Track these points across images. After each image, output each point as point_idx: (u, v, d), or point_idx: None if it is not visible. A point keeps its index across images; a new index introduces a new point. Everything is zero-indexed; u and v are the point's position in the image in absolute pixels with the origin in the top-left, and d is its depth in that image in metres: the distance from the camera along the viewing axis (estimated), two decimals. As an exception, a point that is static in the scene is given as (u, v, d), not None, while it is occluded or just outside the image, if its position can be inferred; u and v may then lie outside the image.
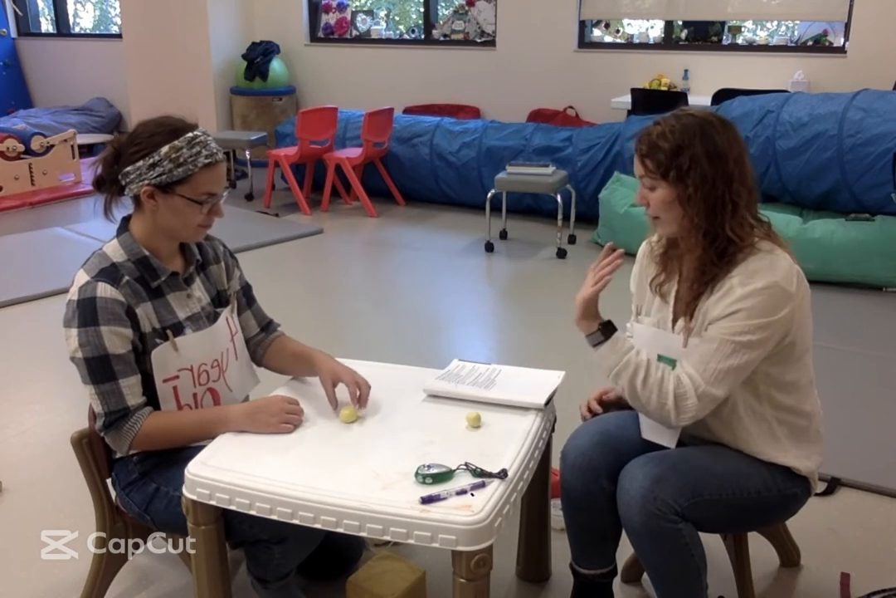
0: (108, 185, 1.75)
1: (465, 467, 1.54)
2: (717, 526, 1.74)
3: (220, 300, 1.92)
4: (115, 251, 1.74)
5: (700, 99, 5.74)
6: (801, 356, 1.67)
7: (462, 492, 1.48)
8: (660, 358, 1.69)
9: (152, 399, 1.74)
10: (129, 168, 1.69)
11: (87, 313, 1.64)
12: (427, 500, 1.46)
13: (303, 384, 1.96)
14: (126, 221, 1.78)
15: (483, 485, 1.51)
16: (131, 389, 1.68)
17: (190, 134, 1.69)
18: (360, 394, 1.80)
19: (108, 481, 1.86)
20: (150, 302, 1.73)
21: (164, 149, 1.66)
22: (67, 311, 1.68)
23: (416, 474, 1.52)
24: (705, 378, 1.58)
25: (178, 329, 1.76)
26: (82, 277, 1.69)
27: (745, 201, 1.62)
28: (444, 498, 1.47)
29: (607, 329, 1.65)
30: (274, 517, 1.52)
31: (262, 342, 2.01)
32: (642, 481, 1.60)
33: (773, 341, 1.60)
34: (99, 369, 1.65)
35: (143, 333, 1.71)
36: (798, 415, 1.68)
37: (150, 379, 1.73)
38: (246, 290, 2.01)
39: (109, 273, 1.69)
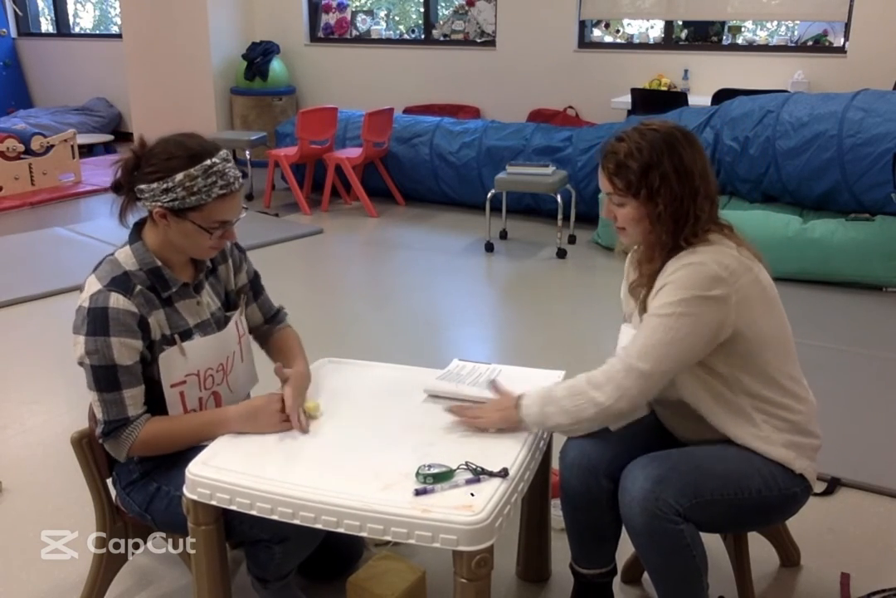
0: (126, 191, 1.71)
1: (465, 466, 1.55)
2: (718, 526, 1.74)
3: (229, 303, 1.92)
4: (127, 259, 1.72)
5: (700, 99, 5.74)
6: (757, 352, 1.65)
7: (455, 486, 1.50)
8: None
9: (158, 404, 1.73)
10: (143, 186, 1.66)
11: (98, 322, 1.62)
12: (421, 492, 1.48)
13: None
14: (138, 226, 1.76)
15: (479, 481, 1.52)
16: (134, 399, 1.68)
17: (208, 162, 1.65)
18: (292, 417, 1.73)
19: (109, 481, 1.86)
20: (162, 310, 1.73)
21: (179, 176, 1.63)
22: (77, 317, 1.66)
23: (417, 474, 1.52)
24: (631, 353, 1.61)
25: (186, 335, 1.75)
26: (94, 285, 1.67)
27: (706, 214, 1.66)
28: (436, 491, 1.48)
29: (518, 406, 1.70)
30: (275, 518, 1.52)
31: (267, 333, 2.02)
32: (644, 482, 1.60)
33: (705, 321, 1.58)
34: (104, 378, 1.64)
35: (153, 341, 1.70)
36: (778, 407, 1.68)
37: (156, 385, 1.72)
38: (254, 281, 1.98)
39: (122, 282, 1.67)
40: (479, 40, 7.16)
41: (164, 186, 1.63)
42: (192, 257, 1.80)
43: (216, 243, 1.73)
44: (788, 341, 1.72)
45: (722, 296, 1.58)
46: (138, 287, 1.68)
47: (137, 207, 1.74)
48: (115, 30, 9.41)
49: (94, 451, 1.80)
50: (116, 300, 1.64)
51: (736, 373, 1.66)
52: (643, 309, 1.70)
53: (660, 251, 1.67)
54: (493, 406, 1.74)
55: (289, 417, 1.72)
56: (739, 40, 6.53)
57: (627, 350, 1.63)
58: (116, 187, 1.73)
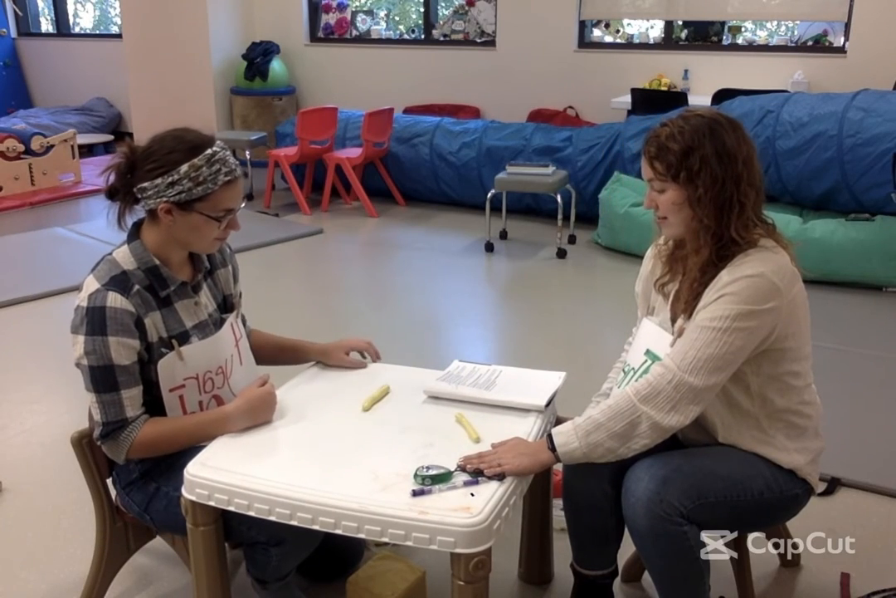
0: (122, 195, 1.72)
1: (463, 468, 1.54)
2: (720, 528, 1.73)
3: (225, 306, 1.92)
4: (125, 258, 1.72)
5: (700, 99, 5.74)
6: (795, 359, 1.65)
7: (453, 487, 1.50)
8: (646, 352, 1.71)
9: (156, 406, 1.73)
10: (146, 184, 1.66)
11: (95, 321, 1.62)
12: (418, 492, 1.48)
13: (305, 385, 1.96)
14: (136, 226, 1.76)
15: (477, 482, 1.51)
16: (132, 400, 1.67)
17: (209, 151, 1.67)
18: (371, 352, 2.06)
19: (109, 481, 1.86)
20: (159, 311, 1.73)
21: (184, 167, 1.64)
22: (76, 317, 1.66)
23: (415, 475, 1.52)
24: (682, 367, 1.56)
25: (184, 338, 1.75)
26: (92, 284, 1.67)
27: (752, 202, 1.62)
28: (433, 492, 1.48)
29: (551, 443, 1.62)
30: (272, 519, 1.52)
31: None
32: (648, 483, 1.59)
33: (757, 334, 1.57)
34: (102, 378, 1.64)
35: (150, 343, 1.70)
36: (794, 414, 1.67)
37: (154, 387, 1.72)
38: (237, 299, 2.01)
39: (120, 282, 1.67)
40: (479, 40, 7.16)
41: (170, 179, 1.64)
42: (195, 252, 1.81)
43: (221, 234, 1.75)
44: (809, 345, 1.71)
45: (775, 307, 1.56)
46: (136, 287, 1.69)
47: (134, 211, 1.75)
48: (115, 30, 9.41)
49: (94, 451, 1.79)
50: (114, 299, 1.64)
51: (763, 381, 1.64)
52: (683, 310, 1.67)
53: (704, 237, 1.61)
54: (512, 450, 1.61)
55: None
56: (739, 40, 6.53)
57: (676, 362, 1.57)
58: (111, 193, 1.73)
